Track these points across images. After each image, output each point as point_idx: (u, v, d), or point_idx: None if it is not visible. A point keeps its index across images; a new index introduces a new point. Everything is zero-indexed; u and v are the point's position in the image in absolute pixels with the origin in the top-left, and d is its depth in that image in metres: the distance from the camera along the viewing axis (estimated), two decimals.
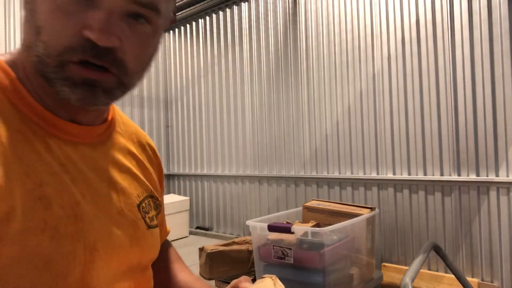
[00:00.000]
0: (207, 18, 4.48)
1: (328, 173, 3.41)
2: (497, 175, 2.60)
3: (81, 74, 0.46)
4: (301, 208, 2.70)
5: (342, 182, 3.33)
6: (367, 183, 3.18)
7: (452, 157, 2.77)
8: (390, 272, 2.93)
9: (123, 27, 0.47)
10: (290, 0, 3.69)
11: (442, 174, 2.81)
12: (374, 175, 3.14)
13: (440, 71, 2.81)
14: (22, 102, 0.49)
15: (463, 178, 2.71)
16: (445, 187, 2.80)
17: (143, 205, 0.61)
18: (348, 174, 3.29)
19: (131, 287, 0.57)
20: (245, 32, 4.07)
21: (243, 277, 0.66)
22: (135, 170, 0.62)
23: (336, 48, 3.36)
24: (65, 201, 0.48)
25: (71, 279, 0.47)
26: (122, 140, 0.62)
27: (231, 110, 4.20)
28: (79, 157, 0.52)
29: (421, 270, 2.64)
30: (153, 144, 0.72)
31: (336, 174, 3.36)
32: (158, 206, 0.66)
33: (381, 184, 3.10)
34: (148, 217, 0.61)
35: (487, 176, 2.63)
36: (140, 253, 0.58)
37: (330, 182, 3.40)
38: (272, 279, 0.63)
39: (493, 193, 2.61)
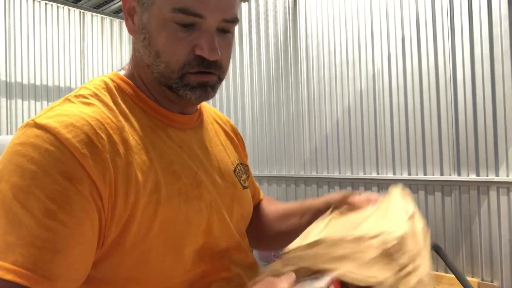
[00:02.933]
0: None
1: (328, 173, 3.41)
2: (497, 175, 2.59)
3: (198, 80, 0.63)
4: None
5: (342, 182, 3.33)
6: (367, 183, 3.17)
7: (452, 157, 2.77)
8: None
9: (219, 41, 0.63)
10: (290, 0, 3.69)
11: (442, 174, 2.81)
12: (374, 175, 3.14)
13: (440, 70, 2.81)
14: (144, 104, 0.66)
15: (463, 178, 2.71)
16: (445, 187, 2.80)
17: (237, 170, 0.76)
18: (348, 174, 3.29)
19: (237, 242, 0.71)
20: (245, 32, 4.07)
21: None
22: (225, 143, 0.79)
23: (336, 47, 3.36)
24: (188, 173, 0.64)
25: (202, 229, 0.64)
26: (209, 122, 0.79)
27: (231, 110, 4.20)
28: (189, 139, 0.69)
29: None
30: (231, 121, 0.89)
31: (336, 174, 3.36)
32: (247, 170, 0.82)
33: (381, 184, 3.10)
34: (242, 180, 0.76)
35: (487, 176, 2.62)
36: (240, 207, 0.73)
37: (330, 182, 3.40)
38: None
39: (493, 193, 2.61)
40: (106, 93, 0.63)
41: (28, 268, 0.47)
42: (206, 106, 0.83)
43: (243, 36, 4.08)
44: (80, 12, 4.60)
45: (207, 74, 0.63)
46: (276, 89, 3.80)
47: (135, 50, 0.67)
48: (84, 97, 0.61)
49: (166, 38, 0.61)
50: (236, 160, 0.78)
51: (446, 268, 2.66)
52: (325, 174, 3.43)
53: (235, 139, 0.84)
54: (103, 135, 0.56)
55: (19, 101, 4.08)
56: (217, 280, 0.66)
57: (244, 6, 4.09)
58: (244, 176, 0.78)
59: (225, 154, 0.76)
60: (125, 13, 0.66)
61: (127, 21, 0.66)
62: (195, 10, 0.59)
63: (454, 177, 2.74)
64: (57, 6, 4.41)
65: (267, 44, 3.88)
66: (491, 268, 2.63)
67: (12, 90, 4.03)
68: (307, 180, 3.56)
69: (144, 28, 0.63)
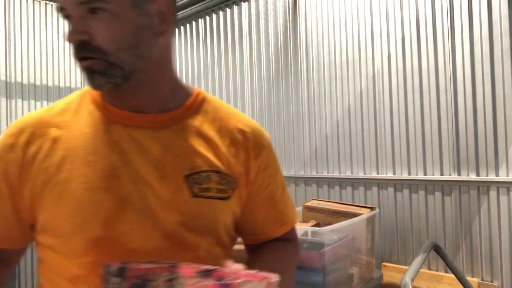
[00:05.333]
0: (207, 18, 4.48)
1: (328, 173, 3.41)
2: (497, 175, 2.59)
3: (82, 66, 0.65)
4: (301, 207, 2.70)
5: (342, 182, 3.33)
6: (367, 183, 3.18)
7: (452, 157, 2.77)
8: (390, 272, 2.93)
9: (90, 23, 0.62)
10: (290, 0, 3.70)
11: (442, 174, 2.81)
12: (374, 174, 3.14)
13: (440, 70, 2.81)
14: (98, 103, 0.72)
15: (463, 178, 2.71)
16: (445, 186, 2.80)
17: (195, 176, 0.71)
18: (348, 174, 3.29)
19: (165, 248, 0.67)
20: (245, 32, 4.07)
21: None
22: (201, 148, 0.74)
23: (336, 47, 3.36)
24: (105, 165, 0.65)
25: (100, 219, 0.64)
26: (196, 124, 0.75)
27: None
28: (141, 135, 0.69)
29: (421, 270, 2.64)
30: (252, 130, 0.81)
31: (336, 174, 3.36)
32: (229, 182, 0.75)
33: (381, 183, 3.10)
34: (198, 187, 0.71)
35: (487, 176, 2.63)
36: (180, 214, 0.69)
37: (330, 182, 3.40)
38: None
39: (493, 193, 2.61)
40: (79, 96, 0.74)
41: None
42: (221, 110, 0.80)
43: (243, 36, 4.08)
44: None
45: (86, 59, 0.64)
46: (276, 89, 3.80)
47: None
48: (61, 99, 0.74)
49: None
50: (202, 167, 0.72)
51: (446, 268, 2.67)
52: (325, 174, 3.43)
53: (232, 150, 0.77)
54: (28, 132, 0.68)
55: (19, 101, 4.08)
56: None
57: (244, 6, 4.09)
58: (205, 185, 0.72)
59: (186, 159, 0.71)
60: None
61: None
62: (59, 6, 0.65)
63: (454, 177, 2.74)
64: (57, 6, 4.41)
65: (267, 44, 3.88)
66: (491, 268, 2.63)
67: (12, 90, 4.03)
68: (307, 180, 3.56)
69: None
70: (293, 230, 0.88)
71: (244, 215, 0.81)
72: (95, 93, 0.73)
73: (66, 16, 0.65)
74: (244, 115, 0.84)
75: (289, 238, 0.87)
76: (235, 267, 0.59)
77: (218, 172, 0.73)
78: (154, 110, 0.72)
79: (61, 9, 0.65)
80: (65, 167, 0.66)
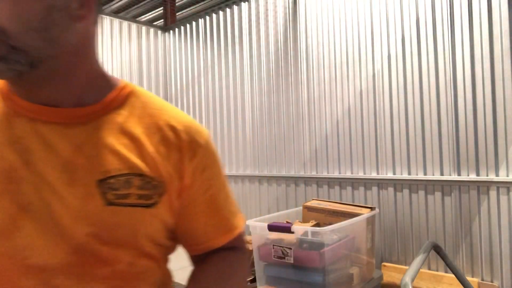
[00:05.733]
0: (207, 18, 4.48)
1: (328, 173, 3.41)
2: (497, 175, 2.60)
3: None
4: (301, 207, 2.70)
5: (342, 182, 3.33)
6: (367, 183, 3.18)
7: (452, 157, 2.77)
8: (390, 272, 2.93)
9: None
10: (290, 0, 3.70)
11: (442, 174, 2.81)
12: (374, 174, 3.14)
13: (440, 70, 2.81)
14: (8, 96, 0.62)
15: (463, 178, 2.71)
16: (445, 186, 2.80)
17: (111, 181, 0.61)
18: (348, 174, 3.29)
19: (75, 263, 0.58)
20: (245, 32, 4.07)
21: None
22: (121, 148, 0.63)
23: (336, 47, 3.36)
24: (2, 164, 0.57)
25: None
26: (118, 121, 0.65)
27: (231, 110, 4.20)
28: (48, 132, 0.59)
29: (421, 270, 2.65)
30: (186, 127, 0.71)
31: (336, 174, 3.36)
32: (155, 186, 0.64)
33: (381, 184, 3.10)
34: (113, 194, 0.60)
35: (487, 176, 2.63)
36: (90, 225, 0.59)
37: (330, 182, 3.40)
38: None
39: (493, 193, 2.61)
40: None
41: None
42: (150, 105, 0.70)
43: (243, 36, 4.08)
44: None
45: None
46: (276, 89, 3.80)
47: None
48: None
49: None
50: (120, 170, 0.62)
51: (446, 268, 2.67)
52: (325, 174, 3.43)
53: (154, 149, 0.66)
54: None
55: None
56: None
57: (244, 6, 4.09)
58: (123, 191, 0.62)
59: (100, 159, 0.61)
60: None
61: None
62: None
63: (454, 177, 2.75)
64: None
65: (267, 44, 3.88)
66: (491, 268, 2.63)
67: None
68: (307, 180, 3.56)
69: None
70: (239, 237, 0.78)
71: (182, 222, 0.71)
72: (1, 82, 0.62)
73: None
74: (179, 111, 0.74)
75: (236, 246, 0.78)
76: None
77: (140, 175, 0.63)
78: (67, 104, 0.62)
79: None
80: None
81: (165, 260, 0.73)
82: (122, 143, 0.64)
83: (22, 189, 0.57)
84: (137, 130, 0.66)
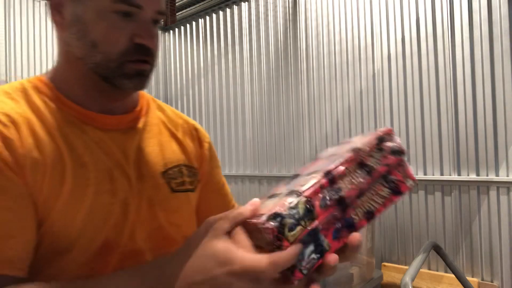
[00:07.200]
0: (207, 18, 4.48)
1: None
2: (497, 175, 2.59)
3: (136, 68, 0.65)
4: None
5: None
6: None
7: (452, 157, 2.77)
8: (390, 272, 2.93)
9: (155, 30, 0.66)
10: (290, 0, 3.70)
11: (442, 174, 2.81)
12: None
13: (440, 70, 2.81)
14: (60, 102, 0.66)
15: (463, 177, 2.71)
16: (445, 186, 2.80)
17: (170, 172, 0.73)
18: None
19: (154, 245, 0.68)
20: (245, 32, 4.07)
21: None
22: (168, 143, 0.76)
23: (336, 47, 3.36)
24: (101, 167, 0.64)
25: (110, 224, 0.63)
26: (153, 123, 0.77)
27: (231, 110, 4.20)
28: (110, 139, 0.68)
29: (421, 270, 2.64)
30: (203, 131, 0.87)
31: None
32: (195, 174, 0.78)
33: None
34: (175, 182, 0.73)
35: (487, 175, 2.62)
36: (164, 211, 0.70)
37: None
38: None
39: (493, 193, 2.61)
40: (20, 93, 0.65)
41: None
42: (162, 108, 0.82)
43: (243, 36, 4.08)
44: None
45: (144, 62, 0.65)
46: (276, 89, 3.80)
47: (64, 45, 0.67)
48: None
49: (104, 28, 0.62)
50: (173, 162, 0.75)
51: (446, 268, 2.67)
52: None
53: (189, 142, 0.81)
54: (10, 125, 0.59)
55: None
56: None
57: (244, 6, 4.09)
58: (182, 179, 0.75)
59: (157, 156, 0.73)
60: (52, 8, 0.65)
61: (55, 16, 0.65)
62: (135, 0, 0.62)
63: (454, 177, 2.74)
64: None
65: (267, 44, 3.88)
66: (491, 268, 2.63)
67: None
68: None
69: (78, 20, 0.63)
70: None
71: (199, 205, 0.82)
72: (44, 90, 0.67)
73: (126, 15, 0.63)
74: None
75: None
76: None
77: (185, 165, 0.77)
78: (121, 112, 0.71)
79: (137, 6, 0.62)
80: (58, 169, 0.64)
81: None
82: (167, 139, 0.77)
83: (119, 186, 0.65)
84: (172, 128, 0.79)
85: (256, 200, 0.49)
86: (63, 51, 0.67)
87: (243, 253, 0.44)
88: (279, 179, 3.76)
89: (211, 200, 0.84)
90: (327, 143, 3.42)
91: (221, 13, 4.33)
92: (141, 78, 0.66)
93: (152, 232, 0.68)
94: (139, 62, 0.64)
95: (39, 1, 4.27)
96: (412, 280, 1.63)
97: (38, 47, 4.21)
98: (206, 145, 0.84)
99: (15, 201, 0.55)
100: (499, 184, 2.58)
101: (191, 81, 4.68)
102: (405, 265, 2.94)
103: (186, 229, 0.74)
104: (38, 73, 4.39)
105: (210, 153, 0.85)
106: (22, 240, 0.56)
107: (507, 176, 2.55)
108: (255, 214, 0.46)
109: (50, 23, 4.37)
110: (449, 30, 2.77)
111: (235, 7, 4.17)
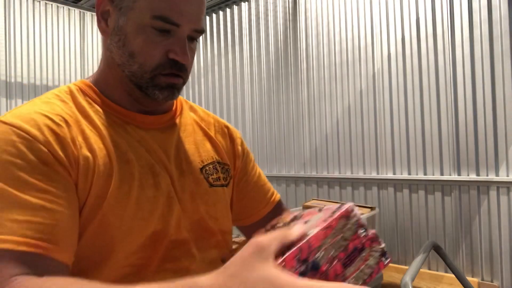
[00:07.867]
0: (207, 18, 4.48)
1: (328, 172, 3.41)
2: (497, 175, 2.59)
3: (167, 81, 0.70)
4: (301, 207, 2.70)
5: (342, 182, 3.33)
6: (367, 183, 3.17)
7: (452, 157, 2.77)
8: (390, 272, 2.93)
9: (189, 47, 0.70)
10: (290, 0, 3.69)
11: (442, 174, 2.81)
12: (374, 174, 3.14)
13: (440, 70, 2.81)
14: (104, 104, 0.72)
15: (463, 177, 2.71)
16: (445, 186, 2.80)
17: (206, 169, 0.79)
18: (348, 174, 3.29)
19: (195, 236, 0.73)
20: (245, 32, 4.07)
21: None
22: (201, 143, 0.81)
23: (336, 47, 3.36)
24: (143, 163, 0.69)
25: (156, 216, 0.67)
26: (188, 123, 0.82)
27: (231, 110, 4.20)
28: (150, 137, 0.73)
29: (421, 270, 2.64)
30: (234, 128, 0.92)
31: (336, 174, 3.36)
32: (227, 170, 0.84)
33: (381, 183, 3.10)
34: (212, 178, 0.79)
35: (487, 175, 2.62)
36: (204, 204, 0.75)
37: (330, 182, 3.40)
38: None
39: (493, 193, 2.61)
40: (68, 95, 0.70)
41: (36, 238, 0.54)
42: (194, 109, 0.88)
43: (243, 36, 4.08)
44: (80, 12, 4.60)
45: (176, 76, 0.70)
46: (276, 89, 3.80)
47: (106, 50, 0.72)
48: (47, 97, 0.69)
49: (142, 41, 0.67)
50: (209, 159, 0.81)
51: (446, 268, 2.67)
52: (325, 174, 3.43)
53: (221, 140, 0.86)
54: (63, 125, 0.63)
55: (19, 101, 4.08)
56: (159, 271, 0.68)
57: (244, 6, 4.09)
58: (217, 175, 0.81)
59: (194, 153, 0.79)
60: (99, 15, 0.70)
61: (100, 23, 0.70)
62: (173, 19, 0.66)
63: (454, 177, 2.74)
64: (57, 6, 4.41)
65: (267, 44, 3.87)
66: (491, 268, 2.62)
67: (12, 90, 4.03)
68: (307, 180, 3.56)
69: (120, 30, 0.68)
70: (280, 201, 0.97)
71: (235, 199, 0.88)
72: (89, 93, 0.73)
73: (163, 31, 0.67)
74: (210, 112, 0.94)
75: (282, 207, 0.97)
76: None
77: (219, 162, 0.82)
78: (159, 112, 0.77)
79: (175, 24, 0.67)
80: (105, 165, 0.70)
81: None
82: (201, 138, 0.82)
83: (162, 180, 0.70)
84: (205, 127, 0.85)
85: (301, 226, 0.50)
86: (106, 57, 0.72)
87: (301, 281, 0.44)
88: (279, 179, 3.76)
89: (248, 193, 0.90)
90: (327, 143, 3.42)
91: (221, 13, 4.33)
92: (172, 90, 0.71)
93: (194, 223, 0.73)
94: (171, 75, 0.69)
95: (39, 1, 4.27)
96: (412, 280, 1.63)
97: (38, 47, 4.21)
98: (238, 141, 0.90)
99: (65, 190, 0.60)
100: (499, 184, 2.58)
101: (191, 81, 4.68)
102: (405, 265, 2.94)
103: (222, 222, 0.79)
104: (38, 73, 4.36)
105: (242, 148, 0.90)
106: (70, 227, 0.60)
107: (507, 176, 2.55)
108: (301, 240, 0.47)
109: (50, 23, 4.37)
110: (449, 30, 2.77)
111: (235, 7, 4.17)
